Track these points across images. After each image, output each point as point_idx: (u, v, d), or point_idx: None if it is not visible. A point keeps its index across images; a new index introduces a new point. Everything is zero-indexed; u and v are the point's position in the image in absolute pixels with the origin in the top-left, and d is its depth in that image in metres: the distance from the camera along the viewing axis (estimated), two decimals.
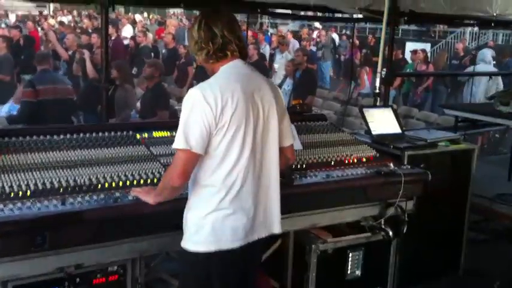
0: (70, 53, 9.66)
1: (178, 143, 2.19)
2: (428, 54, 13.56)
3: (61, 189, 2.44)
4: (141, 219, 2.41)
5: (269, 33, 17.44)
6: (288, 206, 2.64)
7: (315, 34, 19.01)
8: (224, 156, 2.23)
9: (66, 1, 4.95)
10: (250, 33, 13.70)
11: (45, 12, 23.52)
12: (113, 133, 3.02)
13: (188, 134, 2.17)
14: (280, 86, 9.30)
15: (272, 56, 13.35)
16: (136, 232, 2.42)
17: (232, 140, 2.22)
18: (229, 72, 2.30)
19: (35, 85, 5.93)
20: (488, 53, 11.54)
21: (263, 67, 10.66)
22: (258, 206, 2.33)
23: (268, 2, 4.78)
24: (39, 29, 15.46)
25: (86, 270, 2.39)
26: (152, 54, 11.94)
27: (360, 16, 5.48)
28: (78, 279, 2.39)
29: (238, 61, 2.34)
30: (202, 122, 2.17)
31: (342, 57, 16.24)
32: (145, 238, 2.46)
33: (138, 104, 7.03)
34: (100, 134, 2.98)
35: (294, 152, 2.62)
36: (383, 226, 3.12)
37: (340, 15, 5.30)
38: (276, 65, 11.52)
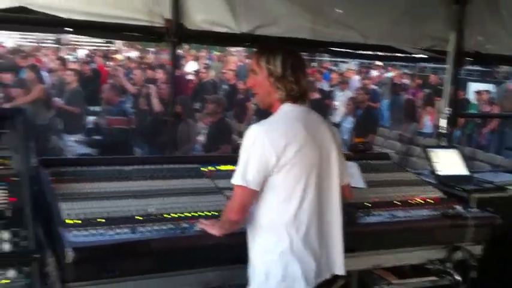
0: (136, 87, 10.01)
1: (236, 179, 2.24)
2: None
3: (131, 218, 2.51)
4: (207, 250, 2.44)
5: (329, 71, 17.48)
6: (352, 244, 2.61)
7: (374, 73, 18.93)
8: (289, 196, 2.24)
9: (138, 39, 5.12)
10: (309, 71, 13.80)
11: (113, 47, 24.47)
12: (177, 165, 3.09)
13: (246, 170, 2.20)
14: (339, 123, 9.30)
15: (330, 93, 13.36)
16: (202, 263, 2.45)
17: (296, 179, 2.23)
18: (291, 112, 2.33)
19: (126, 113, 6.29)
20: None
21: (323, 105, 10.68)
22: (322, 247, 2.32)
23: (330, 41, 4.79)
24: (107, 63, 16.10)
25: None
26: (213, 89, 12.20)
27: (424, 56, 5.41)
28: None
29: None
30: (261, 158, 2.19)
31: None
32: (211, 269, 2.49)
33: (199, 138, 7.19)
34: (165, 166, 3.05)
35: (351, 191, 2.62)
36: (450, 270, 3.03)
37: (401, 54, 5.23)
38: (336, 103, 11.55)
